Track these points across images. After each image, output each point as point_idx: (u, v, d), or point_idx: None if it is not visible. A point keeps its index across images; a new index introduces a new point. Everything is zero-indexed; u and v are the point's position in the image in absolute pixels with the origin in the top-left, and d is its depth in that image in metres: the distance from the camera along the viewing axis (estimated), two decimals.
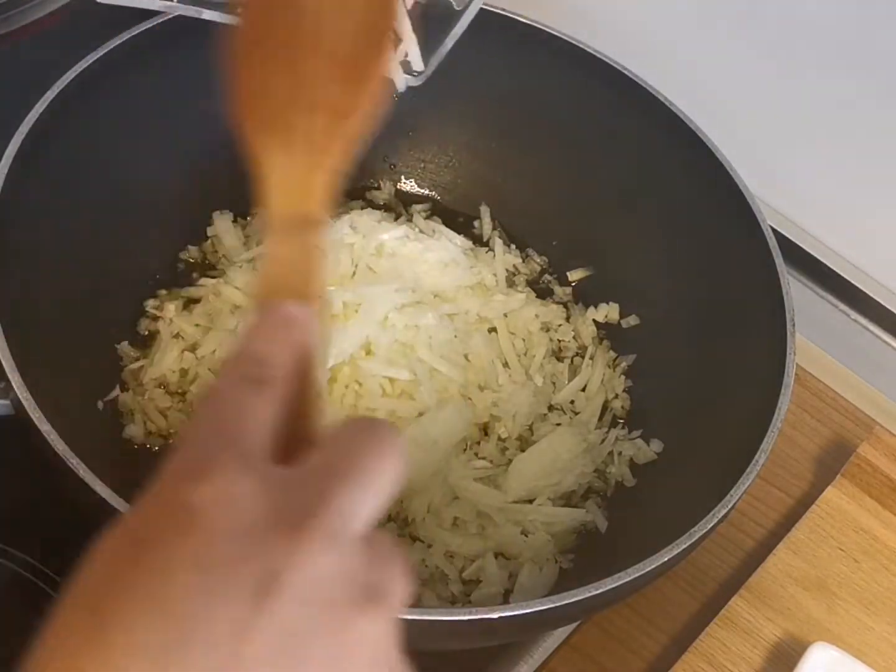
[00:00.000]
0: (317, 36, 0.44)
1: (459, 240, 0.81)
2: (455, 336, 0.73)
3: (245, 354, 0.35)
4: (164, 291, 0.74)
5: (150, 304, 0.73)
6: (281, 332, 0.36)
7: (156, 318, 0.73)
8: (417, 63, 0.62)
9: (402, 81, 0.63)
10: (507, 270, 0.81)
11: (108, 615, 0.28)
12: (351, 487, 0.31)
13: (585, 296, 0.81)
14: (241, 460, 0.31)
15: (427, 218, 0.83)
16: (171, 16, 0.70)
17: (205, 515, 0.29)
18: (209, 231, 0.78)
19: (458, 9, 0.64)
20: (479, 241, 0.83)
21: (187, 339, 0.71)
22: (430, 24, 0.63)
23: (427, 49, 0.63)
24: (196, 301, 0.74)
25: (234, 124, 0.43)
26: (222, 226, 0.78)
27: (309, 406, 0.36)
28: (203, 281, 0.75)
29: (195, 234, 0.78)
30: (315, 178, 0.41)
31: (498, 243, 0.81)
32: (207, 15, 0.62)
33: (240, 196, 0.80)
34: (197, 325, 0.72)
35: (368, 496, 0.31)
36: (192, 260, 0.77)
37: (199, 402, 0.35)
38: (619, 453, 0.72)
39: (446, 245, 0.79)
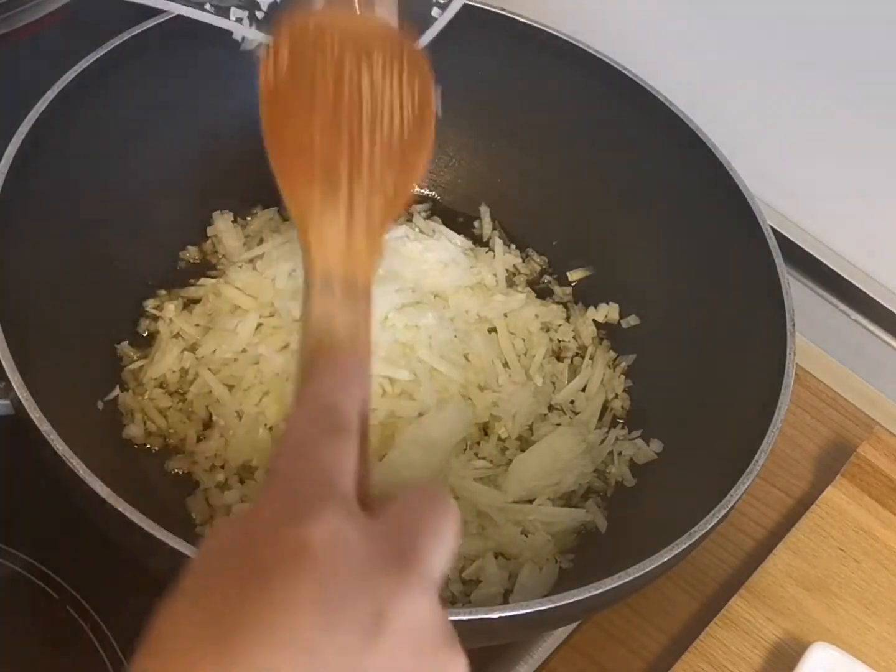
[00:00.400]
0: (374, 118, 0.49)
1: (459, 240, 0.81)
2: (455, 336, 0.73)
3: (323, 405, 0.38)
4: (163, 291, 0.74)
5: (150, 304, 0.73)
6: (350, 385, 0.39)
7: (156, 318, 0.73)
8: None
9: None
10: (507, 270, 0.81)
11: (235, 643, 0.29)
12: (435, 542, 0.34)
13: (585, 296, 0.81)
14: (344, 505, 0.34)
15: (427, 218, 0.83)
16: (171, 16, 0.70)
17: (324, 554, 0.31)
18: (209, 231, 0.78)
19: (434, 17, 0.65)
20: (479, 241, 0.83)
21: (187, 339, 0.71)
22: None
23: None
24: (196, 301, 0.74)
25: (277, 167, 0.46)
26: (222, 226, 0.78)
27: (367, 458, 0.39)
28: (203, 281, 0.75)
29: (195, 235, 0.78)
30: (367, 250, 0.45)
31: (498, 243, 0.81)
32: (219, 22, 0.62)
33: (240, 196, 0.80)
34: (197, 325, 0.72)
35: (446, 547, 0.35)
36: (192, 260, 0.77)
37: (283, 437, 0.37)
38: (619, 453, 0.72)
39: (446, 245, 0.79)
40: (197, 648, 0.30)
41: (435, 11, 0.67)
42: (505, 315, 0.77)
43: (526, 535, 0.67)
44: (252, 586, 0.31)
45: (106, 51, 0.68)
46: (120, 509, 0.50)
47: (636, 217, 0.78)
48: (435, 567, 0.34)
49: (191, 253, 0.77)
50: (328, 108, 0.49)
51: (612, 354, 0.78)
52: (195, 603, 0.31)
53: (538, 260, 0.82)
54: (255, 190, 0.79)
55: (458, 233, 0.81)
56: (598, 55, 0.76)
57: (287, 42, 0.51)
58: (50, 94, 0.65)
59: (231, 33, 0.67)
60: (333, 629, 0.30)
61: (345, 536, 0.32)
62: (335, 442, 0.36)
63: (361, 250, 0.45)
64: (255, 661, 0.29)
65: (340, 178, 0.47)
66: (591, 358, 0.77)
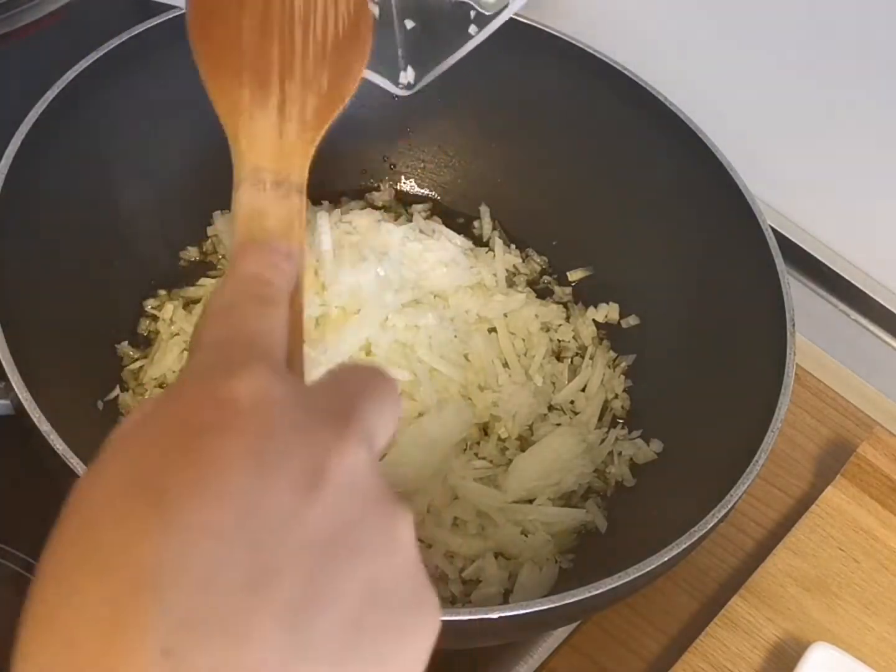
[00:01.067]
0: (306, 15, 0.49)
1: (459, 240, 0.81)
2: (455, 336, 0.73)
3: (251, 276, 0.37)
4: (163, 291, 0.74)
5: (150, 304, 0.73)
6: (281, 262, 0.39)
7: (156, 318, 0.73)
8: (404, 77, 0.64)
9: (392, 88, 0.64)
10: (507, 270, 0.81)
11: (166, 498, 0.28)
12: (374, 403, 0.33)
13: (585, 296, 0.81)
14: (271, 365, 0.32)
15: (427, 218, 0.83)
16: (171, 16, 0.70)
17: (254, 410, 0.30)
18: (209, 231, 0.78)
19: (471, 34, 0.65)
20: (479, 241, 0.83)
21: (187, 340, 0.71)
22: (433, 38, 0.63)
23: (421, 64, 0.64)
24: (196, 301, 0.74)
25: (204, 65, 0.46)
26: (222, 226, 0.78)
27: (300, 338, 0.39)
28: (203, 281, 0.75)
29: (195, 235, 0.78)
30: (300, 147, 0.45)
31: (498, 243, 0.81)
32: None
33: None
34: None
35: (386, 414, 0.33)
36: (192, 260, 0.77)
37: (209, 310, 0.36)
38: (619, 453, 0.72)
39: (446, 245, 0.79)
40: (124, 504, 0.28)
41: (472, 29, 0.67)
42: (505, 315, 0.77)
43: (526, 535, 0.67)
44: (180, 446, 0.29)
45: (106, 51, 0.68)
46: None
47: (636, 217, 0.78)
48: (375, 428, 0.33)
49: (191, 253, 0.77)
50: (258, 3, 0.48)
51: (612, 354, 0.78)
52: (120, 466, 0.29)
53: (538, 260, 0.82)
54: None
55: (458, 233, 0.81)
56: (598, 55, 0.76)
57: None
58: (50, 94, 0.65)
59: None
60: (270, 484, 0.29)
61: (275, 392, 0.31)
62: (262, 309, 0.35)
63: (294, 147, 0.45)
64: (189, 518, 0.27)
65: (271, 75, 0.46)
66: (591, 358, 0.77)
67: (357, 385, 0.34)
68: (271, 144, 0.45)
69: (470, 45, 0.67)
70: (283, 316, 0.36)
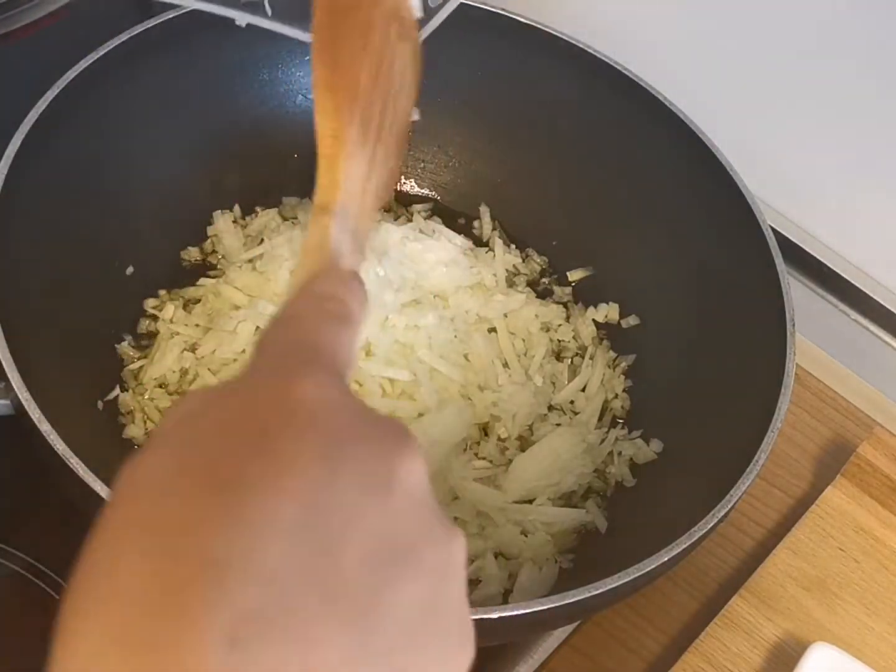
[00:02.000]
0: (397, 92, 0.49)
1: (459, 240, 0.81)
2: (455, 336, 0.73)
3: (327, 294, 0.37)
4: (163, 291, 0.74)
5: (150, 304, 0.73)
6: (356, 287, 0.38)
7: (156, 318, 0.73)
8: None
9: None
10: (506, 270, 0.81)
11: (231, 487, 0.27)
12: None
13: (585, 296, 0.81)
14: (336, 374, 0.33)
15: (427, 218, 0.83)
16: (171, 16, 0.70)
17: (324, 413, 0.30)
18: (209, 231, 0.78)
19: (432, 6, 0.64)
20: (479, 241, 0.83)
21: (187, 340, 0.71)
22: None
23: None
24: (196, 301, 0.74)
25: (322, 73, 0.45)
26: (222, 226, 0.78)
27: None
28: (203, 281, 0.75)
29: (195, 234, 0.78)
30: (369, 210, 0.45)
31: (498, 243, 0.81)
32: (240, 18, 0.62)
33: (240, 196, 0.80)
34: (197, 325, 0.72)
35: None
36: (192, 260, 0.77)
37: (277, 317, 0.36)
38: (619, 453, 0.72)
39: (446, 245, 0.79)
40: (187, 489, 0.27)
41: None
42: (505, 315, 0.77)
43: (526, 535, 0.67)
44: (248, 438, 0.29)
45: (106, 51, 0.68)
46: None
47: (636, 217, 0.78)
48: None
49: (191, 253, 0.77)
50: (375, 56, 0.47)
51: (612, 354, 0.78)
52: (181, 451, 0.28)
53: (538, 260, 0.82)
54: (256, 190, 0.80)
55: (458, 233, 0.81)
56: (598, 55, 0.76)
57: None
58: (50, 94, 0.65)
59: (234, 33, 0.66)
60: (341, 484, 0.28)
61: (341, 399, 0.31)
62: (334, 325, 0.35)
63: (367, 206, 0.45)
64: (257, 511, 0.27)
65: (371, 128, 0.46)
66: (591, 358, 0.77)
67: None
68: (357, 195, 0.44)
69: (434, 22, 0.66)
70: (354, 336, 0.36)
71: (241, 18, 0.60)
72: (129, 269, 0.72)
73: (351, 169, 0.44)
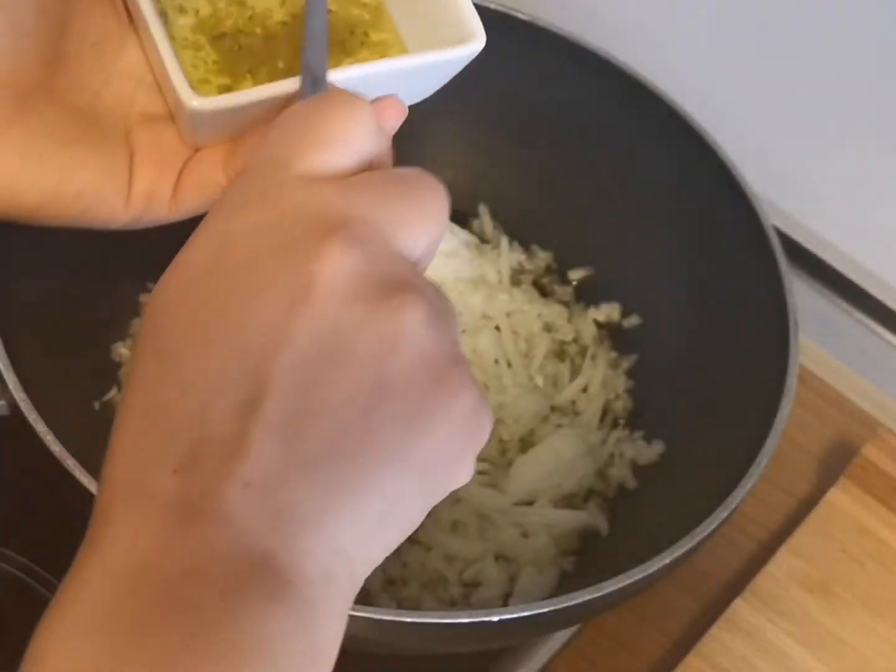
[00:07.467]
0: None
1: (464, 234, 0.80)
2: (464, 331, 0.73)
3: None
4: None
5: (145, 301, 0.73)
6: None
7: None
8: None
9: None
10: (511, 268, 0.80)
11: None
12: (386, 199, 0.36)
13: (586, 295, 0.80)
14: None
15: None
16: None
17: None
18: None
19: None
20: (482, 239, 0.82)
21: None
22: None
23: None
24: None
25: None
26: None
27: None
28: None
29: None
30: None
31: (503, 241, 0.81)
32: None
33: None
34: None
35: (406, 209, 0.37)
36: None
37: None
38: (621, 454, 0.72)
39: (447, 236, 0.78)
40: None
41: None
42: (507, 314, 0.76)
43: (526, 538, 0.67)
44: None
45: None
46: None
47: (637, 216, 0.78)
48: (381, 225, 0.34)
49: None
50: None
51: (614, 354, 0.77)
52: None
53: (542, 257, 0.82)
54: None
55: None
56: (600, 53, 0.75)
57: None
58: None
59: None
60: (257, 306, 0.30)
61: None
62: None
63: None
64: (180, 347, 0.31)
65: None
66: (593, 358, 0.77)
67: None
68: None
69: None
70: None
71: None
72: (126, 269, 0.72)
73: None
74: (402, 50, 0.49)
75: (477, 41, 0.46)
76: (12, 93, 0.41)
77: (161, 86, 0.45)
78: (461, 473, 0.33)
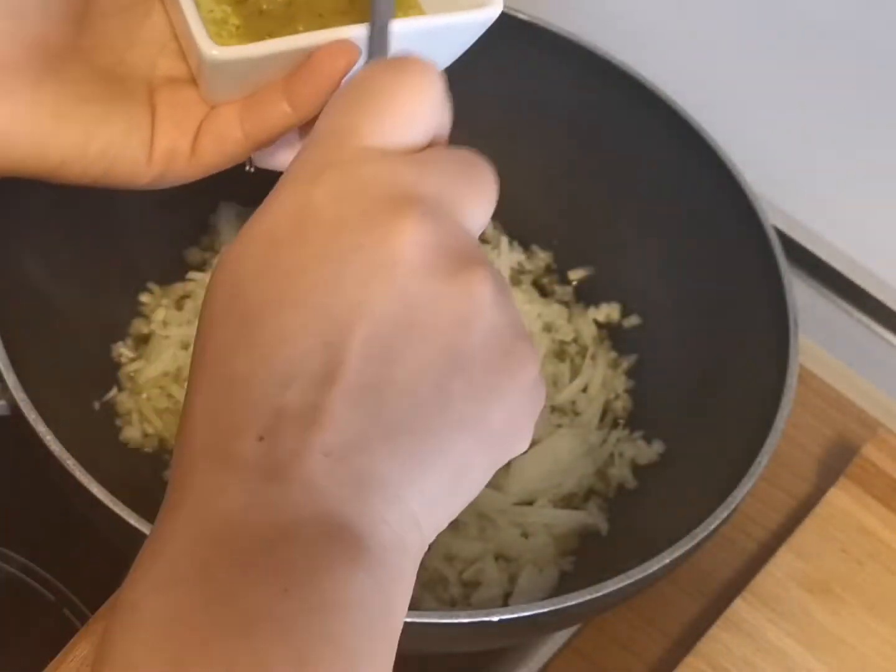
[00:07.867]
0: None
1: None
2: None
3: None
4: (155, 287, 0.73)
5: (144, 300, 0.73)
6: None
7: (150, 317, 0.72)
8: None
9: None
10: (511, 268, 0.80)
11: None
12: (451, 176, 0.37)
13: (586, 295, 0.80)
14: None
15: None
16: None
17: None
18: (210, 230, 0.78)
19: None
20: (482, 240, 0.82)
21: (181, 337, 0.71)
22: None
23: None
24: (187, 296, 0.74)
25: None
26: (223, 224, 0.77)
27: None
28: (191, 275, 0.74)
29: (195, 234, 0.77)
30: None
31: (503, 241, 0.81)
32: None
33: (240, 195, 0.80)
34: (189, 321, 0.71)
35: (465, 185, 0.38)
36: (192, 259, 0.77)
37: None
38: (621, 454, 0.72)
39: None
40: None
41: None
42: None
43: (526, 538, 0.67)
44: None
45: None
46: (117, 511, 0.50)
47: (637, 216, 0.78)
48: (451, 197, 0.36)
49: (191, 252, 0.77)
50: None
51: (614, 354, 0.77)
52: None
53: (542, 257, 0.82)
54: (257, 190, 0.79)
55: None
56: (601, 53, 0.75)
57: None
58: None
59: None
60: (336, 281, 0.31)
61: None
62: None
63: None
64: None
65: None
66: (593, 358, 0.77)
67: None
68: None
69: None
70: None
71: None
72: (125, 269, 0.72)
73: None
74: (420, 13, 0.49)
75: (494, 7, 0.46)
76: (42, 53, 0.41)
77: (183, 45, 0.45)
78: (523, 441, 0.34)
